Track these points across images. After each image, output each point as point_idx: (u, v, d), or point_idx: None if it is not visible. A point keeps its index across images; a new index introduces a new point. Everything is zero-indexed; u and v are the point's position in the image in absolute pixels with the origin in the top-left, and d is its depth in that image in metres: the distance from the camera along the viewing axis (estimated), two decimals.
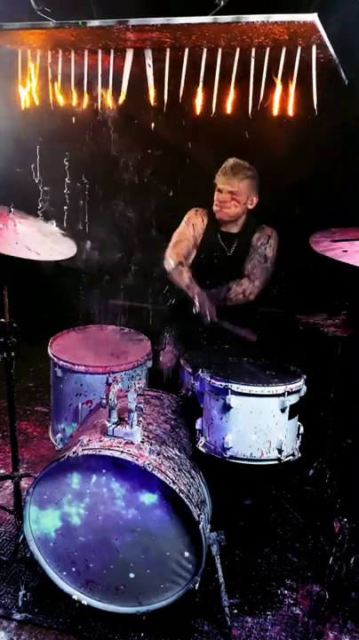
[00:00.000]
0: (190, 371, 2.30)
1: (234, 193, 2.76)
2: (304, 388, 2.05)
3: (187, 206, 3.03)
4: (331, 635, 2.04)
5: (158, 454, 1.92)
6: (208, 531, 1.99)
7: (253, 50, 1.93)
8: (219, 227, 2.89)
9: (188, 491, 1.88)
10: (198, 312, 2.56)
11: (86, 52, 2.13)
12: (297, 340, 2.70)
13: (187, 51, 1.99)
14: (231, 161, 2.81)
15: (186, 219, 2.97)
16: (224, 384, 1.95)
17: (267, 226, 2.89)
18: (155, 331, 2.79)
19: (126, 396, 1.98)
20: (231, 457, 1.99)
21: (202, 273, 2.85)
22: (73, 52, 2.16)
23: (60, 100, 2.29)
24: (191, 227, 2.92)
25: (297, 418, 2.04)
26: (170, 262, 2.77)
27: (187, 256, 2.86)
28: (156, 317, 3.12)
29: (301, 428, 2.10)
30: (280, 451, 1.97)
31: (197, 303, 2.59)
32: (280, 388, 1.94)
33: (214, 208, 2.83)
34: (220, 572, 2.05)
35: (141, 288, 3.33)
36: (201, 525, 1.86)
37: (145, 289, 3.30)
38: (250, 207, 2.83)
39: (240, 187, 2.76)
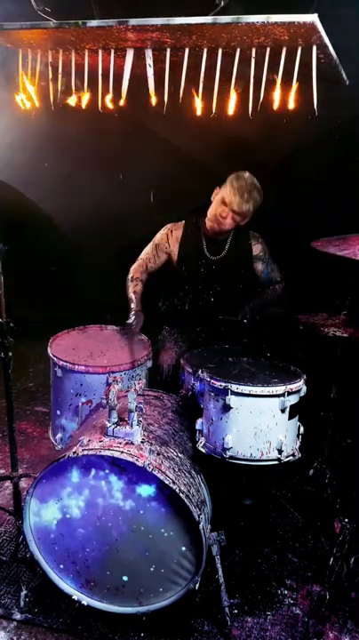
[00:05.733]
0: (190, 371, 2.30)
1: (237, 214, 2.67)
2: (304, 388, 2.05)
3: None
4: (331, 635, 2.04)
5: (158, 454, 1.92)
6: (208, 531, 1.99)
7: (253, 50, 1.93)
8: (202, 233, 2.86)
9: (188, 491, 1.88)
10: (129, 323, 2.66)
11: (86, 52, 2.13)
12: (297, 339, 2.70)
13: (187, 51, 1.99)
14: (248, 179, 2.65)
15: (155, 239, 2.96)
16: (224, 384, 1.95)
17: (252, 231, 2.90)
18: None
19: (126, 396, 1.98)
20: (231, 457, 1.98)
21: (191, 279, 2.86)
22: (73, 52, 2.16)
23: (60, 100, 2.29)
24: (154, 247, 2.94)
25: (297, 418, 2.04)
26: (128, 275, 2.87)
27: (143, 272, 2.90)
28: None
29: (301, 428, 2.10)
30: (280, 451, 1.97)
31: (132, 317, 2.67)
32: (280, 389, 1.94)
33: (209, 216, 2.76)
34: (221, 573, 2.05)
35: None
36: (201, 525, 1.86)
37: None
38: (242, 224, 2.76)
39: (246, 211, 2.67)
